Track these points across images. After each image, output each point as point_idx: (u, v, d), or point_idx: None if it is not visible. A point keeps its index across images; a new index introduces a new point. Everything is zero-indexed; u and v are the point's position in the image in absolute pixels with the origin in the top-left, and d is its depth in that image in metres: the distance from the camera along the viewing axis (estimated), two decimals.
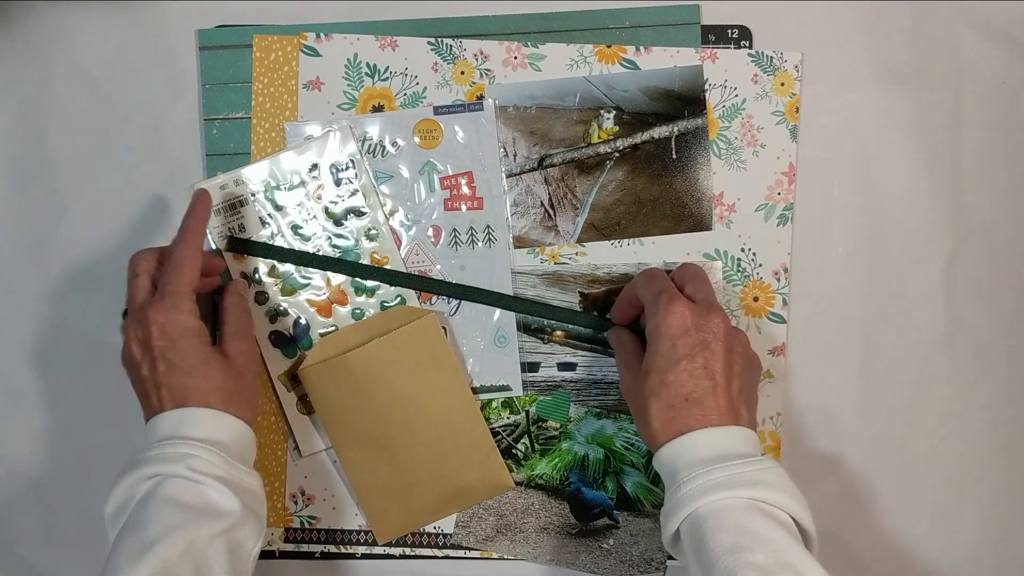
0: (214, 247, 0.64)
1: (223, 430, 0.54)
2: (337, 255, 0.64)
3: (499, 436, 0.65)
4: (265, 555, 0.65)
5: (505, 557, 0.66)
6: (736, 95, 0.64)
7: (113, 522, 0.51)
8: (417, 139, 0.64)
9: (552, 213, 0.65)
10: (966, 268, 0.65)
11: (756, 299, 0.65)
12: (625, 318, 0.61)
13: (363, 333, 0.63)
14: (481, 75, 0.64)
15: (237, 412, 0.55)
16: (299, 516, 0.66)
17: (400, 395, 0.62)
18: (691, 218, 0.65)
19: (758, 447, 0.53)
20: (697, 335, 0.54)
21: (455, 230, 0.64)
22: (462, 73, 0.64)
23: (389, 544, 0.66)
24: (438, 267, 0.65)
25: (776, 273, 0.65)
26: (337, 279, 0.64)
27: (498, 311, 0.64)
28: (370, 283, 0.64)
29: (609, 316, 0.63)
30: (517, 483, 0.65)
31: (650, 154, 0.64)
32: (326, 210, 0.64)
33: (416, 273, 0.64)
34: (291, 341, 0.64)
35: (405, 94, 0.64)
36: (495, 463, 0.64)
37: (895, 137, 0.65)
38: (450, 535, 0.66)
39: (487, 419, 0.64)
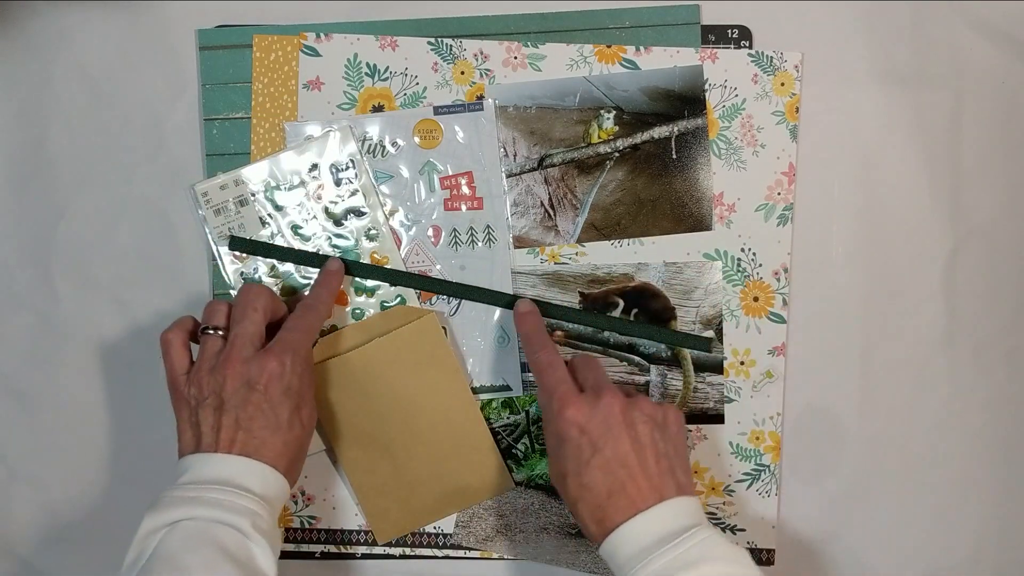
0: (214, 246, 0.64)
1: (277, 491, 0.53)
2: (337, 255, 0.64)
3: (499, 436, 0.65)
4: None
5: (505, 557, 0.66)
6: (736, 95, 0.64)
7: (146, 541, 0.49)
8: (417, 139, 0.64)
9: (552, 213, 0.65)
10: (966, 268, 0.65)
11: (756, 299, 0.65)
12: None
13: (363, 333, 0.63)
14: (481, 75, 0.64)
15: (290, 478, 0.55)
16: (299, 516, 0.66)
17: (400, 395, 0.62)
18: (691, 218, 0.65)
19: (693, 512, 0.52)
20: (596, 427, 0.53)
21: (455, 230, 0.64)
22: (462, 73, 0.64)
23: (389, 544, 0.66)
24: (438, 267, 0.65)
25: (776, 273, 0.65)
26: None
27: (498, 311, 0.64)
28: (370, 283, 0.64)
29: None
30: (517, 483, 0.65)
31: (650, 154, 0.64)
32: (326, 210, 0.64)
33: (416, 273, 0.64)
34: None
35: (405, 94, 0.64)
36: (495, 463, 0.64)
37: (895, 137, 0.65)
38: (450, 535, 0.66)
39: (487, 419, 0.64)
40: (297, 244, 0.64)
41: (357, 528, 0.66)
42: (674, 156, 0.64)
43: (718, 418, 0.65)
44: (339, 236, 0.64)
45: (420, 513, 0.64)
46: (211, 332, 0.56)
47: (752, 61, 0.64)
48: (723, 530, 0.66)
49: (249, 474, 0.52)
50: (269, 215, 0.64)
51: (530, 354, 0.60)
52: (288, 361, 0.54)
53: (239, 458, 0.52)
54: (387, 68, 0.64)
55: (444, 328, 0.63)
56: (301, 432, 0.55)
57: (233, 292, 0.64)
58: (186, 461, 0.53)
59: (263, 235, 0.64)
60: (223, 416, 0.53)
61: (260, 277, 0.64)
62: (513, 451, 0.65)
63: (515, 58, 0.64)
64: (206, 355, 0.55)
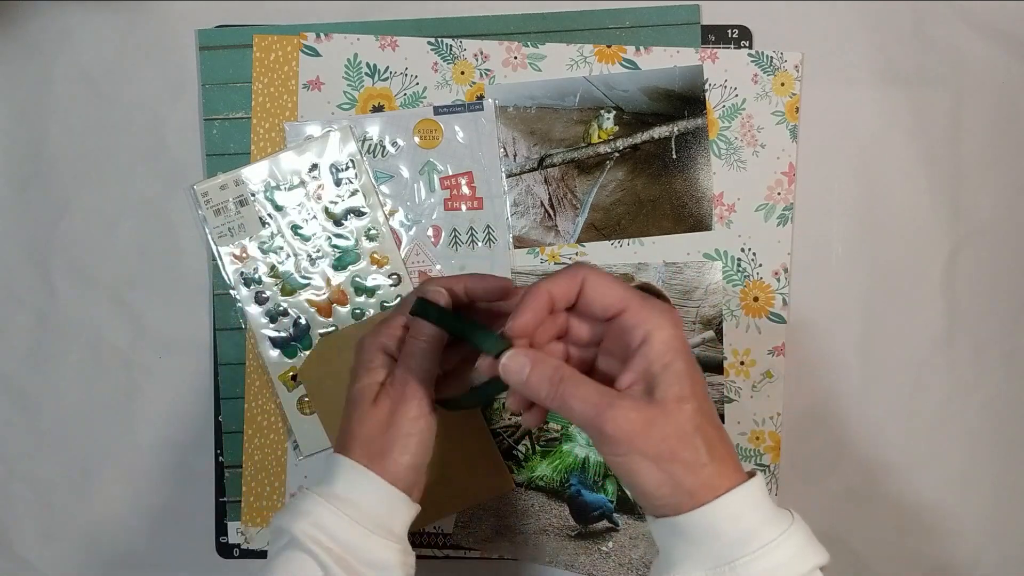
0: (214, 246, 0.64)
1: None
2: (337, 255, 0.64)
3: (500, 437, 0.65)
4: (265, 555, 0.65)
5: (505, 557, 0.66)
6: (736, 95, 0.64)
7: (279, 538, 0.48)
8: (417, 139, 0.64)
9: (552, 213, 0.65)
10: (966, 268, 0.65)
11: (756, 299, 0.65)
12: (535, 328, 0.46)
13: (363, 333, 0.63)
14: (481, 75, 0.64)
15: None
16: None
17: None
18: (691, 218, 0.65)
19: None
20: (691, 354, 0.44)
21: (455, 230, 0.64)
22: (462, 73, 0.64)
23: None
24: (438, 267, 0.65)
25: (776, 273, 0.65)
26: (337, 279, 0.64)
27: None
28: (370, 283, 0.64)
29: (505, 331, 0.45)
30: (517, 484, 0.65)
31: (650, 154, 0.64)
32: (326, 210, 0.64)
33: (416, 273, 0.64)
34: (291, 341, 0.64)
35: (405, 94, 0.64)
36: (496, 464, 0.64)
37: (895, 137, 0.65)
38: (450, 535, 0.66)
39: (488, 420, 0.64)
40: (297, 244, 0.64)
41: None
42: (674, 156, 0.64)
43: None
44: (339, 236, 0.64)
45: (420, 513, 0.64)
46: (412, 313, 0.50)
47: (752, 61, 0.64)
48: None
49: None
50: (269, 215, 0.64)
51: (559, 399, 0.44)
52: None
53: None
54: (387, 68, 0.64)
55: None
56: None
57: (233, 292, 0.64)
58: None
59: (263, 235, 0.64)
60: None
61: (260, 277, 0.64)
62: (514, 452, 0.65)
63: (515, 58, 0.64)
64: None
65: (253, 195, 0.64)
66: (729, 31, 0.64)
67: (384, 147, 0.64)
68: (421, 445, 0.50)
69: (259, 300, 0.64)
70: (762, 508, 0.43)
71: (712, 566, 0.41)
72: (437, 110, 0.64)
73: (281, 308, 0.64)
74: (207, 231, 0.64)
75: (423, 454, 0.50)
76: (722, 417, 0.65)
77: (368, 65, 0.64)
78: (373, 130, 0.64)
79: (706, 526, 0.42)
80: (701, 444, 0.42)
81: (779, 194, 0.64)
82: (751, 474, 0.44)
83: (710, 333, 0.65)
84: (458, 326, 0.49)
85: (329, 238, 0.64)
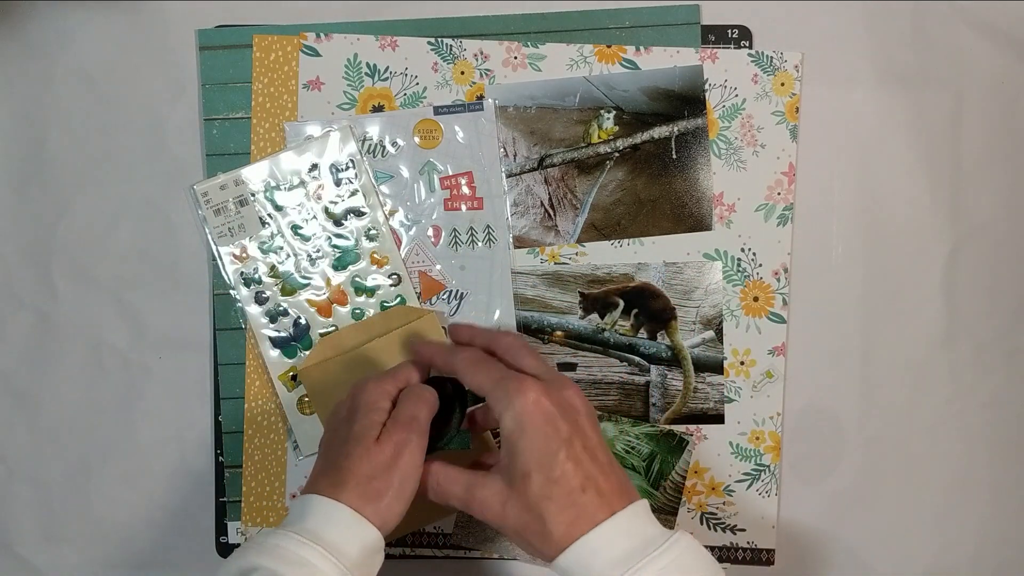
0: (214, 246, 0.64)
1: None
2: (337, 255, 0.64)
3: (499, 438, 0.65)
4: None
5: (505, 557, 0.66)
6: (736, 95, 0.64)
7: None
8: (417, 139, 0.64)
9: (552, 213, 0.65)
10: (966, 268, 0.65)
11: (756, 299, 0.65)
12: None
13: (363, 333, 0.63)
14: (481, 75, 0.64)
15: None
16: None
17: None
18: (691, 218, 0.65)
19: (653, 517, 0.49)
20: (562, 416, 0.48)
21: (455, 230, 0.64)
22: (462, 73, 0.64)
23: (390, 544, 0.66)
24: (438, 267, 0.65)
25: (776, 273, 0.65)
26: (337, 279, 0.64)
27: (498, 311, 0.64)
28: (370, 283, 0.64)
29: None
30: None
31: (650, 154, 0.64)
32: (326, 210, 0.64)
33: (416, 273, 0.64)
34: (291, 341, 0.64)
35: (405, 94, 0.64)
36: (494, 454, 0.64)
37: (895, 137, 0.65)
38: (450, 535, 0.66)
39: None
40: (297, 244, 0.64)
41: None
42: (674, 156, 0.64)
43: (718, 418, 0.65)
44: (339, 236, 0.64)
45: (421, 511, 0.64)
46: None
47: (752, 61, 0.64)
48: (723, 530, 0.66)
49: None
50: (269, 215, 0.64)
51: (450, 363, 0.54)
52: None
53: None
54: (387, 68, 0.64)
55: (444, 328, 0.63)
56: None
57: (233, 292, 0.64)
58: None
59: (263, 235, 0.64)
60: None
61: (260, 277, 0.64)
62: None
63: (515, 58, 0.64)
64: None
65: (253, 195, 0.64)
66: (729, 31, 0.64)
67: (384, 147, 0.64)
68: (411, 495, 0.50)
69: (259, 300, 0.64)
70: (634, 534, 0.47)
71: None
72: (437, 110, 0.64)
73: (281, 308, 0.64)
74: (207, 231, 0.64)
75: (407, 505, 0.51)
76: (722, 418, 0.65)
77: (368, 65, 0.64)
78: (373, 130, 0.64)
79: (569, 566, 0.47)
80: (551, 509, 0.47)
81: (779, 194, 0.64)
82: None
83: (710, 333, 0.65)
84: (455, 417, 0.55)
85: (329, 238, 0.64)
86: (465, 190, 0.64)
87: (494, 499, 0.49)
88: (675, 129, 0.64)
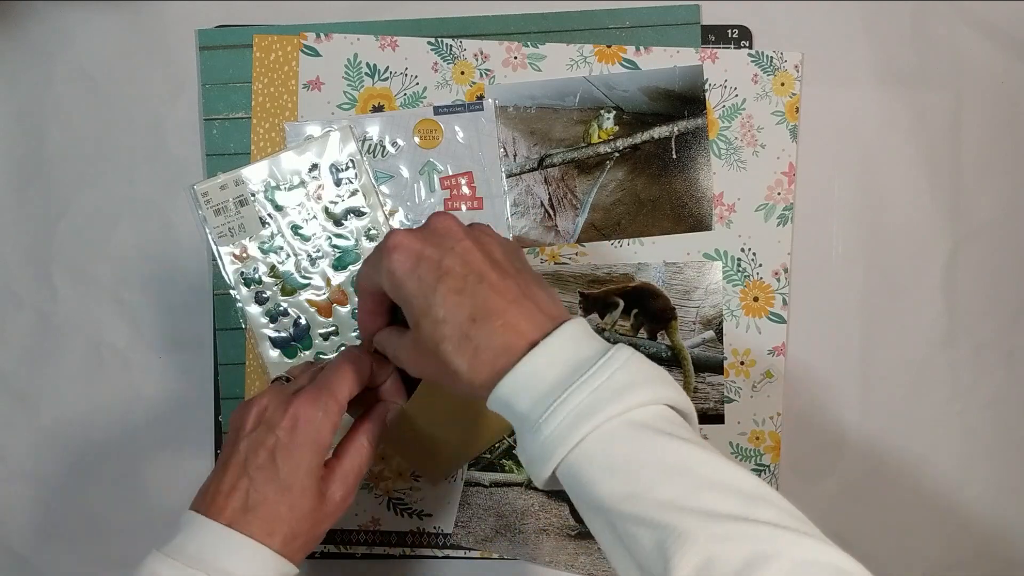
0: (214, 246, 0.64)
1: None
2: (337, 255, 0.64)
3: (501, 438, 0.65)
4: None
5: (504, 557, 0.66)
6: (736, 95, 0.64)
7: None
8: (417, 139, 0.64)
9: (552, 213, 0.65)
10: (966, 268, 0.65)
11: (756, 299, 0.65)
12: (377, 325, 0.51)
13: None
14: (481, 75, 0.64)
15: (290, 556, 0.46)
16: None
17: None
18: (691, 218, 0.65)
19: (592, 333, 0.43)
20: (433, 250, 0.44)
21: None
22: (462, 73, 0.64)
23: (390, 543, 0.66)
24: None
25: (776, 273, 0.65)
26: (337, 279, 0.64)
27: None
28: None
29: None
30: (518, 484, 0.65)
31: (650, 154, 0.64)
32: (326, 210, 0.64)
33: None
34: (291, 341, 0.64)
35: (405, 94, 0.64)
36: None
37: (895, 137, 0.65)
38: (450, 535, 0.66)
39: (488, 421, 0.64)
40: (297, 244, 0.64)
41: (357, 528, 0.66)
42: (674, 156, 0.64)
43: (718, 418, 0.65)
44: (339, 236, 0.64)
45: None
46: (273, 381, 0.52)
47: (752, 61, 0.64)
48: None
49: (226, 552, 0.45)
50: (269, 215, 0.64)
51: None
52: (321, 403, 0.48)
53: (221, 528, 0.46)
54: (387, 68, 0.64)
55: None
56: (319, 504, 0.47)
57: (233, 292, 0.64)
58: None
59: (263, 235, 0.64)
60: (231, 468, 0.48)
61: (260, 277, 0.64)
62: (514, 452, 0.65)
63: (515, 58, 0.64)
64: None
65: (253, 195, 0.64)
66: (729, 31, 0.64)
67: (384, 147, 0.64)
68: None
69: (259, 300, 0.64)
70: (558, 361, 0.41)
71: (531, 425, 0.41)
72: (437, 110, 0.64)
73: (281, 308, 0.64)
74: (207, 231, 0.64)
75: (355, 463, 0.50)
76: (722, 418, 0.65)
77: (368, 65, 0.64)
78: (373, 130, 0.64)
79: (501, 400, 0.42)
80: (448, 350, 0.42)
81: (779, 194, 0.64)
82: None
83: (710, 333, 0.65)
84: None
85: (329, 238, 0.64)
86: (465, 190, 0.64)
87: (408, 357, 0.47)
88: (675, 129, 0.64)
